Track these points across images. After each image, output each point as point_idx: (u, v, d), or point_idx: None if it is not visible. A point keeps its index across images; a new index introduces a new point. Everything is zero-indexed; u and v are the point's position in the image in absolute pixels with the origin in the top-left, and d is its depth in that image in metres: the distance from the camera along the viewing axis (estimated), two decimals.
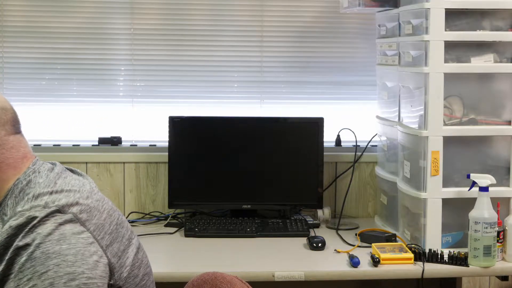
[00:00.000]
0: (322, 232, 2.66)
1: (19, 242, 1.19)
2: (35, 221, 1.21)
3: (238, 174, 2.79)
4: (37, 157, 1.43)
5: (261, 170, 2.80)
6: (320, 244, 2.44)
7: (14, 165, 1.37)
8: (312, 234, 2.60)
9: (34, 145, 2.89)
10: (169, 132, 2.76)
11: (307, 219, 2.76)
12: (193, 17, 2.97)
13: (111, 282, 1.27)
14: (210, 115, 2.90)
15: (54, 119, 2.94)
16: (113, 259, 1.28)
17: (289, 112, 2.97)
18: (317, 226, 2.75)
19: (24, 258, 1.18)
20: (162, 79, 2.98)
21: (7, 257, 1.20)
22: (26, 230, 1.20)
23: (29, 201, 1.28)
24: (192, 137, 2.78)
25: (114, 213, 1.36)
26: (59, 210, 1.25)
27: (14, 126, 1.40)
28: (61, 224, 1.22)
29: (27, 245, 1.19)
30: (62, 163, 2.96)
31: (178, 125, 2.76)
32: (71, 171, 1.46)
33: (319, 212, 2.81)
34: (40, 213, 1.23)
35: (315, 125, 2.79)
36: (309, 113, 2.95)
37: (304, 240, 2.52)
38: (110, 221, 1.32)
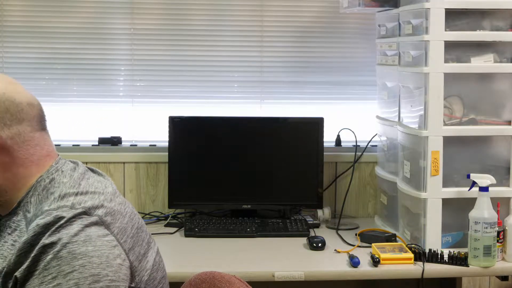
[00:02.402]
0: (322, 232, 2.66)
1: (45, 240, 1.20)
2: (62, 221, 1.22)
3: (238, 174, 2.79)
4: (59, 156, 1.44)
5: (261, 170, 2.80)
6: (320, 244, 2.44)
7: (37, 162, 1.37)
8: (312, 234, 2.60)
9: None
10: (169, 132, 2.76)
11: (307, 219, 2.76)
12: (193, 17, 2.97)
13: (133, 285, 1.28)
14: (210, 115, 2.90)
15: (54, 119, 2.92)
16: (135, 262, 1.29)
17: (289, 112, 2.97)
18: (317, 226, 2.75)
19: (50, 256, 1.19)
20: (162, 79, 2.98)
21: (32, 254, 1.20)
22: (53, 229, 1.22)
23: (55, 201, 1.29)
24: (192, 137, 2.78)
25: (135, 217, 1.38)
26: (86, 212, 1.26)
27: (40, 122, 1.40)
28: (87, 226, 1.24)
29: (53, 244, 1.20)
30: None
31: (178, 125, 2.76)
32: (92, 170, 1.46)
33: (319, 212, 2.81)
34: (68, 214, 1.24)
35: (315, 125, 2.79)
36: (309, 113, 2.95)
37: (304, 240, 2.52)
38: (132, 224, 1.33)
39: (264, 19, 2.99)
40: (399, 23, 2.59)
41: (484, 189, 2.25)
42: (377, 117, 2.87)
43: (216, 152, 2.79)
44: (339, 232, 2.66)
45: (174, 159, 2.76)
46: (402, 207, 2.57)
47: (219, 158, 2.79)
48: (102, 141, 2.91)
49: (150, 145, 2.94)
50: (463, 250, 2.30)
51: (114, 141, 2.91)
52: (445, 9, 2.33)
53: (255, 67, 3.00)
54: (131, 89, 2.97)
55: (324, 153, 2.80)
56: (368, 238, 2.50)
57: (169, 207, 2.79)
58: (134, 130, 2.96)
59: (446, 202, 2.37)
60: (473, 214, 2.25)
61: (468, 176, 2.31)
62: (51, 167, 1.38)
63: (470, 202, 2.28)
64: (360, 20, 3.00)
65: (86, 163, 2.82)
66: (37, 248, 1.20)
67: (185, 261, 2.35)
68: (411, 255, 2.29)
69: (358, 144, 2.90)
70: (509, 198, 2.41)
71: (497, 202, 2.29)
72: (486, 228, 2.23)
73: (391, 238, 2.50)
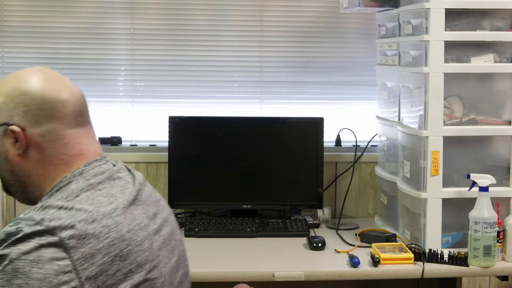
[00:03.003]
0: (322, 232, 2.66)
1: (1, 251, 1.19)
2: (20, 235, 1.19)
3: (238, 174, 2.79)
4: (98, 158, 1.39)
5: (261, 170, 2.80)
6: (320, 244, 2.44)
7: (66, 162, 1.35)
8: (312, 234, 2.60)
9: None
10: (169, 132, 2.76)
11: (307, 219, 2.76)
12: (193, 17, 2.97)
13: None
14: (210, 115, 2.90)
15: None
16: None
17: (289, 112, 2.97)
18: (317, 226, 2.75)
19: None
20: (162, 79, 2.98)
21: None
22: (10, 241, 1.19)
23: (35, 210, 1.26)
24: (192, 137, 2.78)
25: (122, 243, 1.26)
26: (48, 231, 1.20)
27: (76, 120, 1.38)
28: (42, 246, 1.18)
29: (4, 256, 1.18)
30: None
31: (178, 125, 2.76)
32: (115, 179, 1.39)
33: (319, 212, 2.81)
34: (28, 229, 1.20)
35: (315, 125, 2.79)
36: (309, 113, 2.95)
37: (304, 240, 2.52)
38: (108, 251, 1.23)
39: (264, 19, 2.99)
40: (399, 23, 2.59)
41: (484, 189, 2.25)
42: (377, 117, 2.87)
43: (216, 152, 2.79)
44: (339, 232, 2.66)
45: (174, 159, 2.76)
46: (402, 207, 2.57)
47: (219, 158, 2.79)
48: (102, 141, 2.91)
49: (150, 145, 2.94)
50: (463, 250, 2.30)
51: (114, 141, 2.91)
52: (445, 9, 2.33)
53: (255, 67, 3.00)
54: (131, 89, 2.97)
55: (324, 153, 2.80)
56: (368, 238, 2.50)
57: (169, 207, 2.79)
58: (134, 130, 2.96)
59: (446, 202, 2.37)
60: (473, 214, 2.25)
61: (468, 176, 2.31)
62: (77, 169, 1.35)
63: (470, 202, 2.28)
64: (360, 20, 3.00)
65: None
66: None
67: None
68: (411, 255, 2.29)
69: (358, 144, 2.90)
70: (509, 198, 2.41)
71: (497, 202, 2.29)
72: (486, 228, 2.23)
73: (391, 238, 2.50)
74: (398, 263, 2.27)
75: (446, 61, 2.35)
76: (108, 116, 2.96)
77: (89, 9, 2.92)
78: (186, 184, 2.78)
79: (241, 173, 2.80)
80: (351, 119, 3.00)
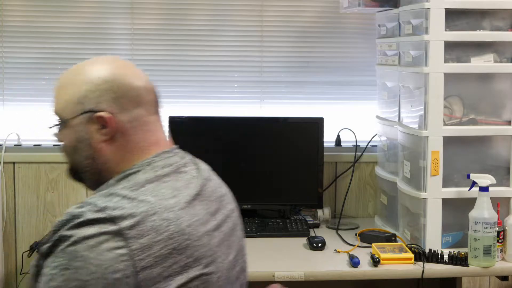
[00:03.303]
0: (322, 232, 2.66)
1: (63, 231, 1.22)
2: (82, 219, 1.22)
3: (238, 174, 2.79)
4: (167, 149, 1.40)
5: (261, 170, 2.80)
6: (320, 244, 2.44)
7: (142, 149, 1.37)
8: (312, 234, 2.60)
9: (34, 145, 2.89)
10: (169, 132, 2.76)
11: (307, 219, 2.76)
12: (193, 17, 2.97)
13: None
14: (210, 115, 2.90)
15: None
16: (146, 281, 1.22)
17: (289, 112, 2.97)
18: (317, 226, 2.75)
19: (61, 247, 1.21)
20: (162, 79, 2.97)
21: (54, 238, 1.23)
22: (74, 223, 1.22)
23: (100, 196, 1.28)
24: (192, 137, 2.78)
25: (181, 237, 1.26)
26: (110, 220, 1.22)
27: (154, 106, 1.42)
28: (103, 233, 1.21)
29: (67, 237, 1.21)
30: (62, 163, 2.96)
31: (178, 125, 2.76)
32: (181, 172, 1.39)
33: (319, 212, 2.81)
34: (91, 215, 1.22)
35: (315, 125, 2.79)
36: (309, 113, 2.95)
37: (304, 240, 2.52)
38: (166, 244, 1.24)
39: (264, 19, 2.99)
40: (399, 23, 2.59)
41: (484, 189, 2.25)
42: (377, 117, 2.87)
43: (216, 152, 2.79)
44: (339, 232, 2.66)
45: None
46: (402, 207, 2.57)
47: (219, 158, 2.79)
48: None
49: None
50: (463, 250, 2.30)
51: None
52: (445, 9, 2.33)
53: (255, 67, 3.00)
54: None
55: (324, 153, 2.80)
56: (368, 238, 2.50)
57: None
58: None
59: (446, 202, 2.37)
60: (473, 214, 2.25)
61: (468, 176, 2.31)
62: (147, 159, 1.36)
63: (470, 202, 2.28)
64: (360, 20, 3.00)
65: None
66: (57, 234, 1.23)
67: None
68: (411, 255, 2.29)
69: (358, 144, 2.90)
70: (509, 198, 2.41)
71: (497, 202, 2.29)
72: (486, 228, 2.23)
73: (391, 238, 2.50)
74: (398, 263, 2.27)
75: (446, 61, 2.35)
76: None
77: (89, 9, 2.92)
78: None
79: (241, 173, 2.80)
80: (351, 119, 2.99)
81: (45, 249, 1.24)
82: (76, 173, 1.44)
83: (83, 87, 1.37)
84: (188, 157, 1.45)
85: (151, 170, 1.33)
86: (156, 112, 1.43)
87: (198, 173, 1.43)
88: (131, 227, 1.21)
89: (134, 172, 1.33)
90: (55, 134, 1.43)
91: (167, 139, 1.44)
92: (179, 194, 1.32)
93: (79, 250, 1.19)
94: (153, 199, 1.27)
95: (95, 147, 1.36)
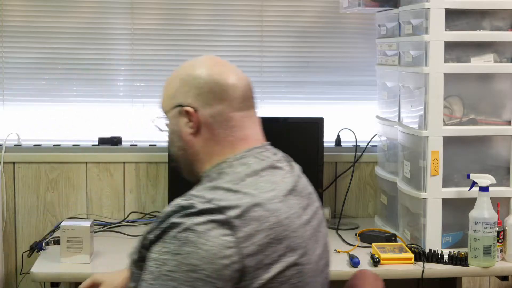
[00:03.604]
0: None
1: (174, 219, 1.31)
2: (192, 210, 1.31)
3: None
4: (259, 145, 1.47)
5: None
6: None
7: (232, 143, 1.45)
8: None
9: (34, 145, 2.89)
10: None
11: None
12: (193, 17, 2.97)
13: (238, 286, 1.31)
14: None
15: (54, 119, 2.94)
16: (249, 268, 1.30)
17: (289, 112, 2.97)
18: None
19: (172, 234, 1.30)
20: (162, 79, 2.92)
21: (163, 226, 1.32)
22: (184, 213, 1.31)
23: (205, 189, 1.37)
24: None
25: (280, 228, 1.35)
26: (217, 210, 1.31)
27: (242, 103, 1.47)
28: (212, 221, 1.29)
29: (177, 224, 1.30)
30: (62, 163, 2.97)
31: None
32: (276, 168, 1.46)
33: None
34: (200, 206, 1.31)
35: (315, 125, 2.79)
36: (309, 113, 2.95)
37: None
38: (267, 234, 1.33)
39: (264, 19, 2.99)
40: (399, 23, 2.59)
41: (484, 189, 2.25)
42: (377, 117, 2.87)
43: None
44: (339, 232, 2.66)
45: (174, 159, 2.76)
46: (402, 207, 2.57)
47: None
48: (102, 141, 2.91)
49: (150, 145, 2.94)
50: (463, 250, 2.30)
51: (114, 141, 2.91)
52: (445, 9, 2.33)
53: (255, 67, 3.00)
54: (131, 89, 2.97)
55: (324, 153, 2.80)
56: (368, 238, 2.50)
57: None
58: (134, 130, 2.96)
59: (446, 202, 2.37)
60: (473, 214, 2.25)
61: (468, 176, 2.31)
62: (239, 153, 1.44)
63: (470, 202, 2.28)
64: (360, 20, 3.00)
65: (86, 163, 2.87)
66: (167, 222, 1.31)
67: None
68: (411, 255, 2.29)
69: (358, 144, 2.90)
70: (509, 198, 2.41)
71: (497, 202, 2.29)
72: (486, 228, 2.23)
73: (391, 238, 2.50)
74: (398, 263, 2.27)
75: (446, 61, 2.35)
76: (108, 116, 2.96)
77: (89, 9, 2.92)
78: (186, 184, 2.76)
79: None
80: (351, 119, 2.99)
81: (153, 236, 1.33)
82: (178, 163, 1.56)
83: (177, 83, 1.50)
84: (280, 154, 1.53)
85: (247, 165, 1.42)
86: (245, 109, 1.47)
87: (291, 170, 1.51)
88: (237, 216, 1.30)
89: (229, 166, 1.42)
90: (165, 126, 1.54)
91: (259, 135, 1.50)
92: (277, 188, 1.40)
93: (190, 236, 1.28)
94: (255, 192, 1.36)
95: (184, 139, 1.48)
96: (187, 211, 1.31)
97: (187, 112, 1.45)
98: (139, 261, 1.37)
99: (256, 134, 1.49)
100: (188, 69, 1.53)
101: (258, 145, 1.47)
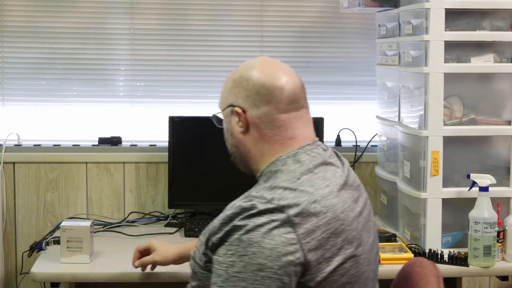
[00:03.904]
0: None
1: (236, 222, 1.38)
2: (254, 211, 1.37)
3: (238, 174, 2.77)
4: (310, 142, 1.55)
5: None
6: None
7: (281, 142, 1.53)
8: None
9: (34, 145, 2.89)
10: (169, 132, 2.76)
11: None
12: (193, 17, 2.97)
13: (302, 280, 1.38)
14: (210, 115, 2.89)
15: (54, 119, 2.94)
16: (312, 263, 1.38)
17: None
18: None
19: (235, 236, 1.37)
20: (162, 79, 2.98)
21: (226, 229, 1.38)
22: (246, 215, 1.37)
23: (264, 189, 1.44)
24: (192, 137, 2.78)
25: (337, 222, 1.43)
26: (278, 209, 1.38)
27: (290, 104, 1.55)
28: (273, 221, 1.36)
29: (240, 227, 1.37)
30: (62, 163, 2.97)
31: (178, 125, 2.76)
32: (329, 164, 1.53)
33: None
34: (262, 206, 1.38)
35: (315, 125, 2.73)
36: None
37: None
38: (326, 229, 1.40)
39: (264, 19, 2.99)
40: (399, 23, 2.59)
41: (484, 189, 2.25)
42: (377, 117, 2.87)
43: (216, 152, 2.78)
44: None
45: (174, 159, 2.76)
46: (402, 207, 2.57)
47: (219, 158, 2.77)
48: (102, 141, 2.91)
49: (150, 145, 2.94)
50: (463, 250, 2.30)
51: (114, 141, 2.91)
52: (445, 9, 2.33)
53: None
54: (131, 89, 2.97)
55: None
56: None
57: (169, 207, 2.79)
58: (134, 130, 2.96)
59: (446, 202, 2.37)
60: (473, 214, 2.25)
61: (468, 176, 2.31)
62: (292, 151, 1.51)
63: (470, 202, 2.28)
64: (360, 20, 3.00)
65: (86, 163, 2.87)
66: (230, 225, 1.38)
67: None
68: (411, 255, 2.29)
69: (358, 144, 2.90)
70: (509, 198, 2.41)
71: (497, 202, 2.29)
72: (486, 228, 2.23)
73: (391, 238, 2.50)
74: (398, 263, 2.26)
75: (446, 61, 2.35)
76: (108, 116, 2.96)
77: (89, 9, 2.92)
78: (186, 184, 2.78)
79: (241, 173, 2.78)
80: (351, 119, 2.99)
81: (216, 239, 1.40)
82: (233, 158, 1.63)
83: (230, 84, 1.59)
84: (330, 149, 1.60)
85: (300, 162, 1.49)
86: (293, 110, 1.55)
87: (342, 164, 1.58)
88: (296, 214, 1.38)
89: (282, 164, 1.50)
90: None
91: (309, 134, 1.57)
92: (331, 184, 1.47)
93: (254, 237, 1.35)
94: (311, 189, 1.43)
95: (236, 137, 1.57)
96: (248, 212, 1.37)
97: (237, 113, 1.54)
98: (206, 262, 1.45)
99: (305, 133, 1.55)
100: (241, 71, 1.59)
101: (309, 142, 1.54)
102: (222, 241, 1.39)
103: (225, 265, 1.36)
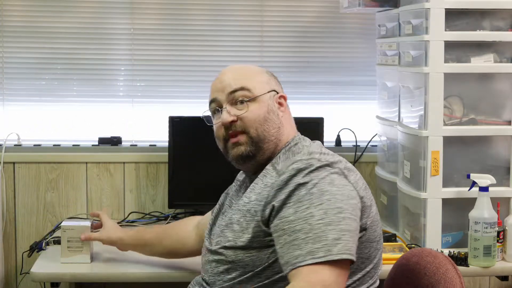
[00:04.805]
0: None
1: (299, 180, 1.51)
2: (312, 168, 1.53)
3: (238, 174, 2.78)
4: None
5: None
6: None
7: (291, 125, 1.79)
8: None
9: (34, 145, 2.89)
10: (169, 132, 2.76)
11: None
12: (193, 17, 2.97)
13: (361, 222, 1.55)
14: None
15: (54, 119, 2.94)
16: (365, 207, 1.57)
17: None
18: None
19: (303, 192, 1.49)
20: (162, 79, 2.98)
21: (288, 190, 1.51)
22: (306, 172, 1.52)
23: (305, 155, 1.59)
24: (192, 137, 2.78)
25: (363, 179, 1.65)
26: (329, 165, 1.55)
27: None
28: (331, 173, 1.53)
29: (306, 183, 1.50)
30: (62, 163, 2.98)
31: (178, 125, 2.76)
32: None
33: None
34: (316, 163, 1.54)
35: (315, 125, 2.79)
36: (309, 113, 2.94)
37: None
38: (362, 182, 1.62)
39: (264, 19, 2.99)
40: (399, 23, 2.59)
41: (484, 189, 2.25)
42: (377, 117, 2.87)
43: (216, 152, 2.77)
44: None
45: (174, 159, 2.76)
46: (402, 207, 2.57)
47: (219, 158, 2.77)
48: (102, 141, 2.91)
49: (150, 145, 2.94)
50: (463, 250, 2.30)
51: (114, 141, 2.91)
52: (445, 9, 2.33)
53: None
54: (131, 89, 2.97)
55: None
56: None
57: (169, 207, 2.79)
58: (134, 130, 2.96)
59: (446, 202, 2.37)
60: (473, 214, 2.25)
61: (468, 176, 2.31)
62: (297, 134, 1.79)
63: (470, 202, 2.28)
64: (360, 20, 3.01)
65: (86, 163, 2.87)
66: (291, 185, 1.51)
67: (185, 261, 2.35)
68: None
69: (358, 144, 2.90)
70: (509, 198, 2.41)
71: (497, 202, 2.29)
72: (486, 228, 2.23)
73: (391, 238, 2.49)
74: None
75: (446, 61, 2.35)
76: (108, 116, 2.96)
77: (89, 9, 2.92)
78: (186, 184, 2.78)
79: None
80: (351, 119, 2.99)
81: (279, 202, 1.51)
82: (257, 144, 1.70)
83: (264, 74, 1.79)
84: None
85: (306, 141, 1.75)
86: None
87: None
88: (344, 168, 1.58)
89: (295, 143, 1.72)
90: (238, 107, 1.73)
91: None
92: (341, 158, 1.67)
93: (322, 187, 1.49)
94: (337, 156, 1.63)
95: (280, 119, 1.74)
96: (307, 170, 1.52)
97: (281, 97, 1.78)
98: (264, 235, 1.55)
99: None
100: (257, 68, 1.83)
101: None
102: (285, 203, 1.50)
103: (303, 219, 1.45)
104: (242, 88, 1.72)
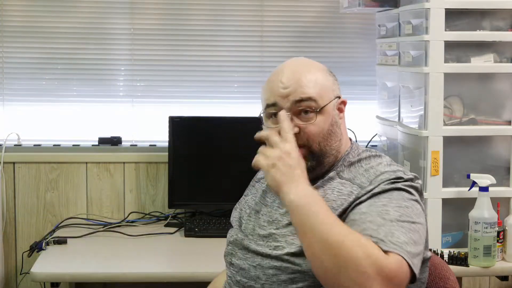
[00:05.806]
0: None
1: (384, 186, 1.44)
2: (401, 180, 1.45)
3: (238, 174, 2.79)
4: None
5: None
6: None
7: (346, 131, 1.62)
8: None
9: (34, 145, 2.89)
10: (169, 132, 2.76)
11: None
12: (193, 17, 2.97)
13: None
14: (210, 115, 2.90)
15: (54, 119, 2.94)
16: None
17: None
18: None
19: (385, 195, 1.42)
20: (162, 79, 2.97)
21: (372, 192, 1.43)
22: (403, 180, 1.45)
23: (386, 166, 1.51)
24: (192, 137, 2.78)
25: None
26: (412, 179, 1.47)
27: None
28: (413, 187, 1.45)
29: (389, 190, 1.42)
30: (62, 163, 2.98)
31: (178, 125, 2.76)
32: None
33: None
34: (405, 176, 1.46)
35: None
36: None
37: None
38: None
39: (264, 19, 2.99)
40: (399, 23, 2.59)
41: (484, 189, 2.25)
42: (377, 117, 2.87)
43: (216, 152, 2.79)
44: None
45: (174, 159, 2.76)
46: None
47: (219, 158, 2.79)
48: (102, 141, 2.91)
49: (150, 145, 2.94)
50: (463, 250, 2.30)
51: (114, 141, 2.91)
52: (445, 9, 2.33)
53: (255, 67, 3.00)
54: (131, 89, 2.97)
55: None
56: None
57: (169, 207, 2.79)
58: (134, 130, 2.96)
59: (446, 202, 2.37)
60: (473, 214, 2.25)
61: (468, 176, 2.31)
62: (353, 143, 1.61)
63: (470, 202, 2.28)
64: (360, 20, 3.00)
65: (86, 163, 2.87)
66: (377, 188, 1.43)
67: (185, 261, 2.35)
68: None
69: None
70: (509, 198, 2.41)
71: (497, 202, 2.29)
72: (486, 228, 2.23)
73: None
74: None
75: (446, 61, 2.35)
76: (108, 116, 2.96)
77: (89, 9, 2.92)
78: (186, 184, 2.78)
79: (241, 173, 2.78)
80: (351, 119, 2.98)
81: (360, 199, 1.43)
82: (318, 158, 1.54)
83: (329, 76, 1.60)
84: None
85: (359, 150, 1.60)
86: None
87: None
88: (421, 185, 1.50)
89: (360, 149, 1.59)
90: (301, 117, 1.54)
91: None
92: None
93: (404, 194, 1.43)
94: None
95: (341, 130, 1.58)
96: (405, 178, 1.45)
97: (343, 103, 1.60)
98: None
99: None
100: (318, 64, 1.64)
101: None
102: (362, 201, 1.43)
103: (377, 213, 1.37)
104: (309, 98, 1.53)
